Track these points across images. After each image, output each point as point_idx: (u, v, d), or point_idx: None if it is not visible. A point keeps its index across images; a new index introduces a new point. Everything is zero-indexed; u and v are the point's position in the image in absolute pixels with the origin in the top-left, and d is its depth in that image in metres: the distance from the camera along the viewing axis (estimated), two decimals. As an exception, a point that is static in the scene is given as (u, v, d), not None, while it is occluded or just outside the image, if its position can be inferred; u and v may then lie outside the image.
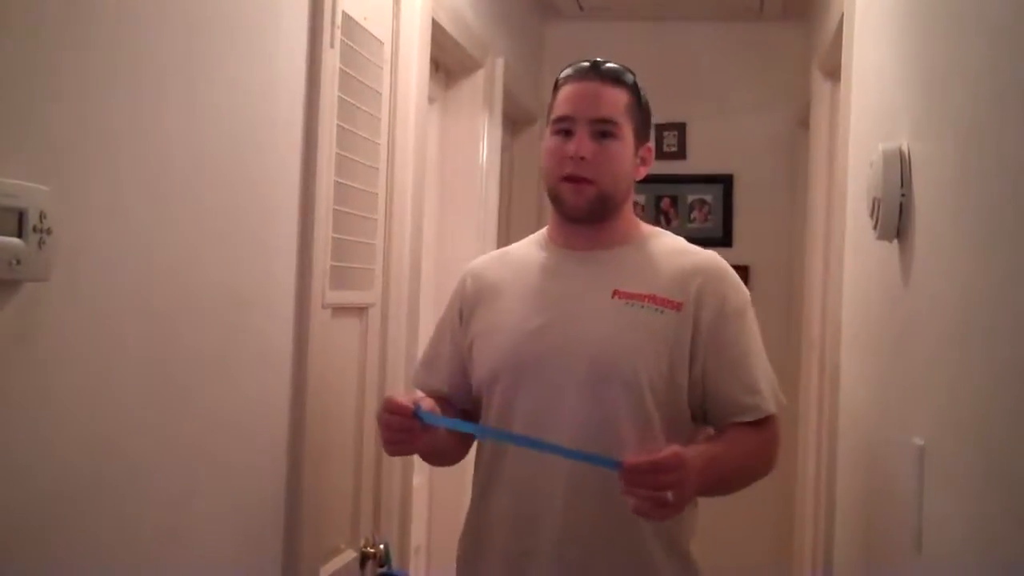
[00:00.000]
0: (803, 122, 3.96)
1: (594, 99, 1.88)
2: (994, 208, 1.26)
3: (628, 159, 1.90)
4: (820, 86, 3.43)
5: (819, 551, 2.96)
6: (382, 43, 2.29)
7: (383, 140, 2.32)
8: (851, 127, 2.52)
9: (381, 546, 2.23)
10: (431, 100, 2.87)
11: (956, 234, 1.44)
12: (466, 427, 1.89)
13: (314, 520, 1.99)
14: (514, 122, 4.13)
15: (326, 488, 2.07)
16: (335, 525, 2.16)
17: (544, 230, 2.02)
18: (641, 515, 1.64)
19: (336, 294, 2.07)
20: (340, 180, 2.06)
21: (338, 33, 2.01)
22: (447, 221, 3.34)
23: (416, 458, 2.69)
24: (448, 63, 3.23)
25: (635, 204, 4.38)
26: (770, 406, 1.87)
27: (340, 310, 2.12)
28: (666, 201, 4.43)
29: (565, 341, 1.85)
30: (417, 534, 2.95)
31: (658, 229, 2.01)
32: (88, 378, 1.32)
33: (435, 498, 3.27)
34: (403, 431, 1.73)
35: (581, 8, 4.26)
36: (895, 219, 1.75)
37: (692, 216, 4.42)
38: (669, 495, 1.60)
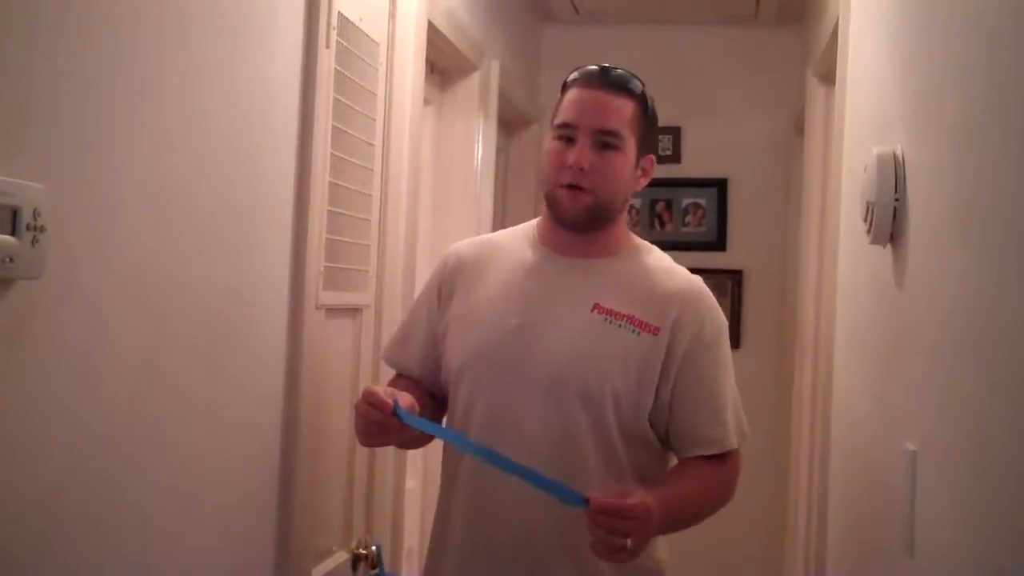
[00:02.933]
0: (797, 126, 3.97)
1: (599, 108, 1.85)
2: (988, 212, 1.27)
3: (628, 171, 1.88)
4: (815, 90, 3.44)
5: (812, 555, 2.96)
6: (378, 44, 2.29)
7: (378, 141, 2.32)
8: (845, 131, 2.52)
9: (373, 548, 2.23)
10: (426, 102, 2.87)
11: (950, 239, 1.45)
12: (445, 435, 1.88)
13: (306, 521, 1.99)
14: (509, 124, 4.13)
15: (318, 489, 2.07)
16: (327, 526, 2.16)
17: (534, 224, 2.01)
18: (596, 555, 1.63)
19: (330, 295, 2.07)
20: (335, 181, 2.06)
21: (334, 34, 2.01)
22: (442, 223, 3.34)
23: (409, 460, 2.70)
24: (444, 65, 3.23)
25: (630, 208, 4.43)
26: (733, 441, 1.88)
27: (334, 311, 2.12)
28: (660, 205, 4.43)
29: (536, 346, 1.85)
30: (409, 536, 2.95)
31: (648, 244, 2.00)
32: (80, 377, 1.32)
33: (427, 500, 3.26)
34: (380, 425, 1.72)
35: (576, 11, 4.27)
36: (889, 223, 1.75)
37: (686, 220, 4.43)
38: (628, 542, 1.61)
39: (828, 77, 3.04)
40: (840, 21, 2.61)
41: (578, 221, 1.88)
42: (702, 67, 4.37)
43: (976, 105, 1.34)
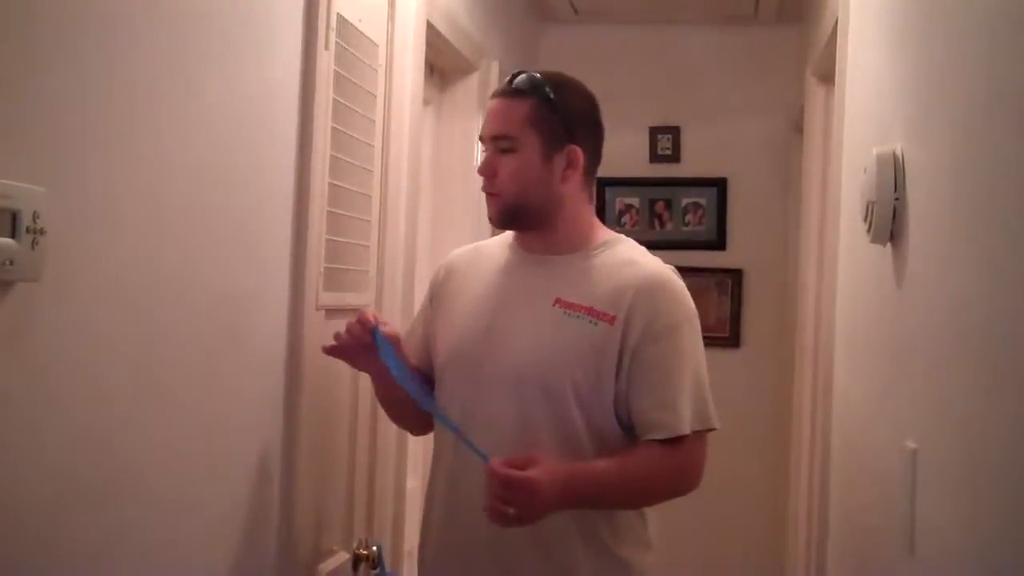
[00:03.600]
0: (797, 126, 3.97)
1: (493, 117, 1.96)
2: (987, 212, 1.27)
3: (532, 169, 1.93)
4: (814, 90, 3.44)
5: (812, 554, 2.96)
6: (377, 45, 2.29)
7: (377, 142, 2.32)
8: (845, 131, 2.53)
9: (374, 548, 2.23)
10: (426, 102, 2.87)
11: (949, 238, 1.45)
12: (401, 377, 1.90)
13: (307, 522, 1.99)
14: (509, 125, 4.12)
15: (319, 490, 2.07)
16: (328, 527, 2.16)
17: None
18: (486, 512, 1.73)
19: (330, 295, 2.07)
20: (334, 182, 2.06)
21: (333, 35, 2.01)
22: (441, 223, 3.34)
23: (410, 461, 2.70)
24: (443, 66, 3.23)
25: (629, 207, 4.45)
26: (683, 426, 1.85)
27: (334, 311, 2.12)
28: (660, 204, 4.43)
29: (501, 345, 1.91)
30: (410, 537, 2.95)
31: (619, 236, 2.02)
32: (80, 379, 1.32)
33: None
34: (354, 339, 1.90)
35: (576, 11, 4.26)
36: (888, 223, 1.76)
37: (686, 219, 4.42)
38: (510, 510, 1.71)
39: (828, 77, 3.04)
40: (839, 20, 2.61)
41: (497, 223, 1.99)
42: (701, 67, 4.37)
43: (976, 104, 1.34)
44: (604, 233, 2.02)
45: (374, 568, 2.21)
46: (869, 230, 1.83)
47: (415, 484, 3.04)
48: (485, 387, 1.91)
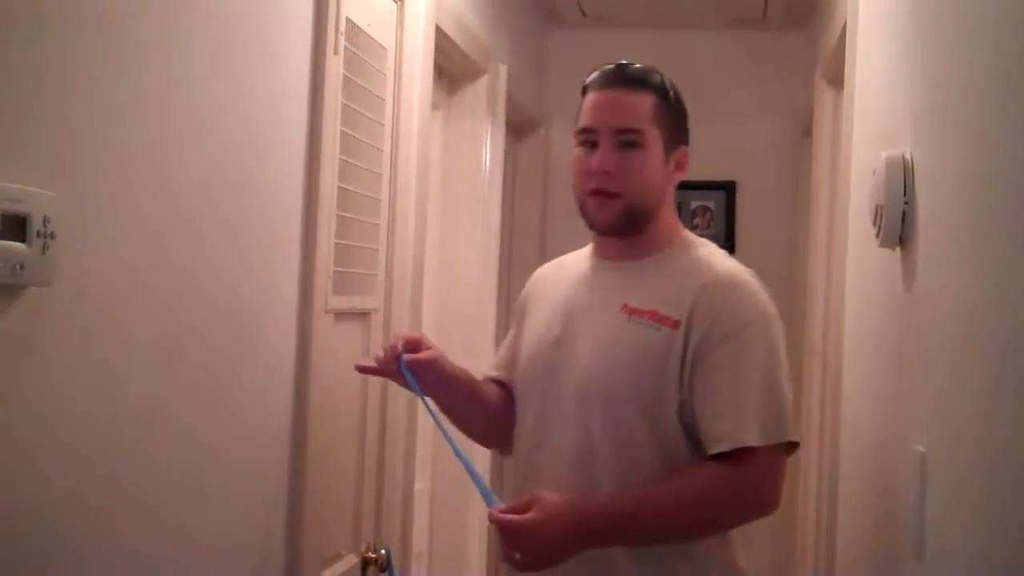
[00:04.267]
0: (806, 129, 3.96)
1: (616, 108, 1.82)
2: (997, 216, 1.26)
3: (656, 167, 1.84)
4: (823, 93, 3.43)
5: (821, 557, 2.95)
6: (386, 49, 2.30)
7: (386, 146, 2.33)
8: (854, 134, 2.52)
9: (382, 552, 2.23)
10: (434, 106, 2.88)
11: (959, 242, 1.44)
12: (424, 403, 1.88)
13: (316, 525, 1.99)
14: (517, 128, 4.13)
15: (328, 493, 2.07)
16: (336, 530, 2.16)
17: None
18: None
19: (339, 299, 2.07)
20: (343, 186, 2.06)
21: (342, 39, 2.01)
22: (450, 226, 3.34)
23: (418, 464, 2.70)
24: (451, 69, 3.23)
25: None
26: (747, 437, 1.70)
27: (343, 315, 2.12)
28: (669, 208, 4.43)
29: (570, 355, 1.84)
30: (419, 540, 2.95)
31: (699, 240, 1.93)
32: (91, 383, 1.32)
33: (436, 504, 3.26)
34: (382, 364, 1.86)
35: (584, 15, 4.27)
36: (898, 226, 1.75)
37: (695, 223, 4.42)
38: (516, 555, 1.65)
39: (836, 80, 3.04)
40: (848, 24, 2.60)
41: (611, 227, 1.84)
42: (710, 70, 4.36)
43: (986, 107, 1.34)
44: (686, 235, 1.93)
45: (383, 572, 2.21)
46: (878, 234, 1.82)
47: (423, 487, 3.04)
48: (554, 399, 1.84)
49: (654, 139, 1.83)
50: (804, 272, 3.91)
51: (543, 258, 4.31)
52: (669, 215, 1.91)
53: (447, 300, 3.30)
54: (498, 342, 3.70)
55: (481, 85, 3.36)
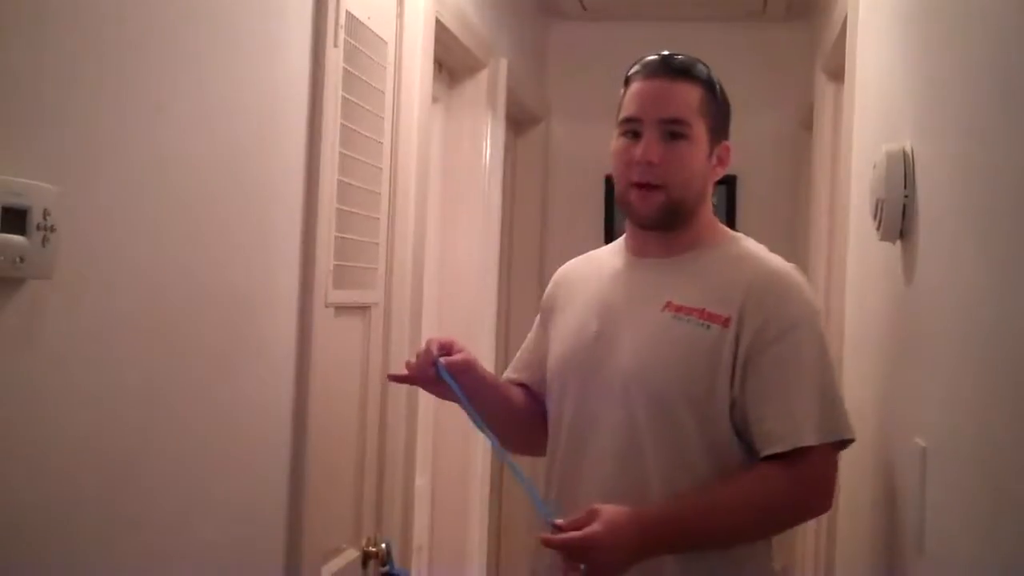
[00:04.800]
0: (806, 123, 3.96)
1: (663, 98, 1.77)
2: (997, 209, 1.26)
3: (701, 161, 1.79)
4: (823, 87, 3.43)
5: (821, 551, 2.95)
6: (386, 43, 2.30)
7: (386, 140, 2.33)
8: (854, 128, 2.52)
9: (383, 545, 2.23)
10: (434, 100, 2.88)
11: (959, 235, 1.44)
12: (467, 407, 1.79)
13: (316, 519, 1.99)
14: (517, 122, 4.13)
15: (328, 487, 2.07)
16: (337, 524, 2.16)
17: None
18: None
19: (339, 293, 2.07)
20: (343, 179, 2.06)
21: (342, 33, 2.01)
22: (450, 220, 3.34)
23: (419, 458, 2.70)
24: (451, 63, 3.23)
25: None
26: (805, 436, 1.66)
27: (343, 309, 2.12)
28: (669, 202, 4.42)
29: (611, 352, 1.79)
30: (419, 534, 2.96)
31: (736, 235, 1.89)
32: (90, 376, 1.32)
33: (437, 498, 3.27)
34: (417, 370, 1.79)
35: (584, 8, 4.26)
36: (898, 220, 1.75)
37: (695, 217, 4.42)
38: (582, 567, 1.57)
39: (837, 74, 3.04)
40: (848, 17, 2.60)
41: (655, 220, 1.80)
42: (710, 64, 4.33)
43: (986, 100, 1.34)
44: (724, 231, 1.89)
45: (383, 565, 2.22)
46: (879, 227, 1.82)
47: (424, 482, 3.04)
48: (594, 397, 1.79)
49: (700, 131, 1.78)
50: (805, 266, 3.90)
51: (543, 252, 4.34)
52: (709, 211, 1.87)
53: (447, 294, 3.30)
54: (499, 336, 3.72)
55: (481, 79, 3.36)
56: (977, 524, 1.30)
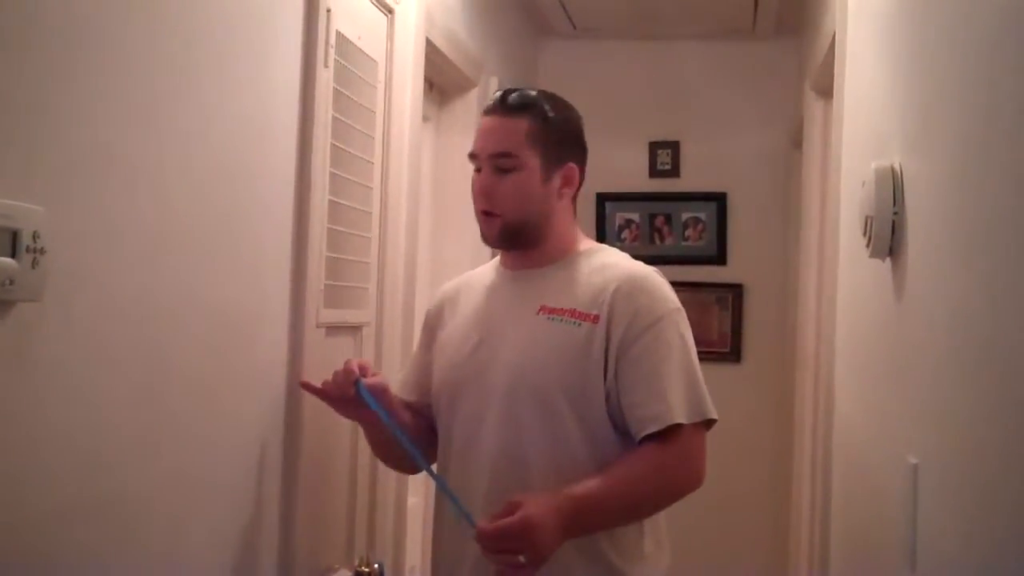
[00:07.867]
0: (796, 140, 3.97)
1: (493, 134, 1.94)
2: (987, 225, 1.27)
3: (534, 187, 1.94)
4: (812, 104, 3.44)
5: (814, 569, 2.95)
6: (376, 62, 2.30)
7: (377, 159, 2.33)
8: (844, 145, 2.53)
9: (376, 565, 2.22)
10: (425, 119, 2.88)
11: (949, 252, 1.45)
12: (391, 424, 1.89)
13: (308, 539, 1.99)
14: (508, 140, 4.13)
15: (320, 507, 2.07)
16: (329, 544, 2.16)
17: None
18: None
19: (330, 313, 2.07)
20: (334, 199, 2.06)
21: (332, 52, 2.01)
22: (441, 239, 3.34)
23: (411, 478, 2.70)
24: (442, 82, 3.24)
25: (629, 222, 4.44)
26: (675, 415, 1.82)
27: (334, 329, 2.12)
28: (660, 219, 4.43)
29: (490, 357, 1.93)
30: (412, 554, 2.94)
31: (600, 246, 2.06)
32: (80, 398, 1.32)
33: (429, 517, 3.25)
34: (337, 388, 1.89)
35: (574, 27, 4.28)
36: (888, 237, 1.76)
37: (686, 234, 4.43)
38: (521, 558, 1.67)
39: (826, 91, 3.05)
40: (837, 34, 2.61)
41: (496, 242, 1.99)
42: (700, 82, 4.38)
43: (974, 117, 1.34)
44: (586, 243, 2.04)
45: (375, 585, 2.21)
46: (868, 244, 1.83)
47: (416, 501, 3.03)
48: (481, 402, 1.92)
49: (531, 161, 1.93)
50: (795, 283, 3.92)
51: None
52: (564, 225, 2.01)
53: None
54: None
55: (472, 97, 3.37)
56: (969, 541, 1.30)
